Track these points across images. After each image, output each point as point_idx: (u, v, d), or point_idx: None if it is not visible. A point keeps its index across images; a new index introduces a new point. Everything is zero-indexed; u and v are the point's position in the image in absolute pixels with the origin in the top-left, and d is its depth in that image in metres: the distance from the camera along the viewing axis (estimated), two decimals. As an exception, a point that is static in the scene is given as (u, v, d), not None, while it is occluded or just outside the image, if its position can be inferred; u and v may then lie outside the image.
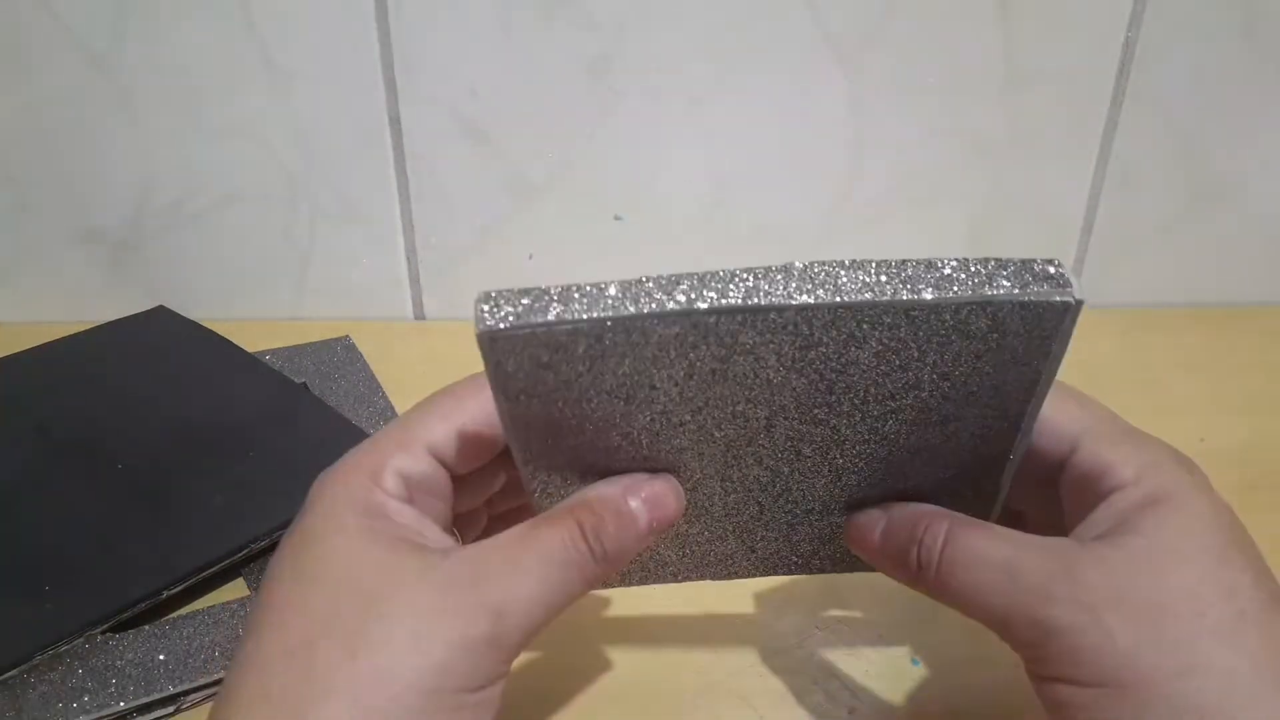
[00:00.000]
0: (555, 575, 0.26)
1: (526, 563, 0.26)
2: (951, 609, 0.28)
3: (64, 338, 0.57)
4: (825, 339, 0.26)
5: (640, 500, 0.28)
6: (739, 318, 0.26)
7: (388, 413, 0.54)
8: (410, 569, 0.25)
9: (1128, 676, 0.23)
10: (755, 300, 0.26)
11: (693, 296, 0.26)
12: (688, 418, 0.28)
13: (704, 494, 0.31)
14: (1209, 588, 0.24)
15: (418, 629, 0.24)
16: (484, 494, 0.32)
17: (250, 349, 0.56)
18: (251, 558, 0.44)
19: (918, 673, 0.40)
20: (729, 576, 0.35)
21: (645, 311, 0.25)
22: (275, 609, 0.25)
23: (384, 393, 0.55)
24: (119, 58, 0.57)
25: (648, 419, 0.28)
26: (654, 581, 0.34)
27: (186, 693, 0.38)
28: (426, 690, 0.24)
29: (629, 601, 0.43)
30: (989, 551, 0.26)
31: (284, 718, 0.23)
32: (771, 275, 0.26)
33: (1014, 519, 0.31)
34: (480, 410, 0.29)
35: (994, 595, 0.25)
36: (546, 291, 0.26)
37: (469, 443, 0.29)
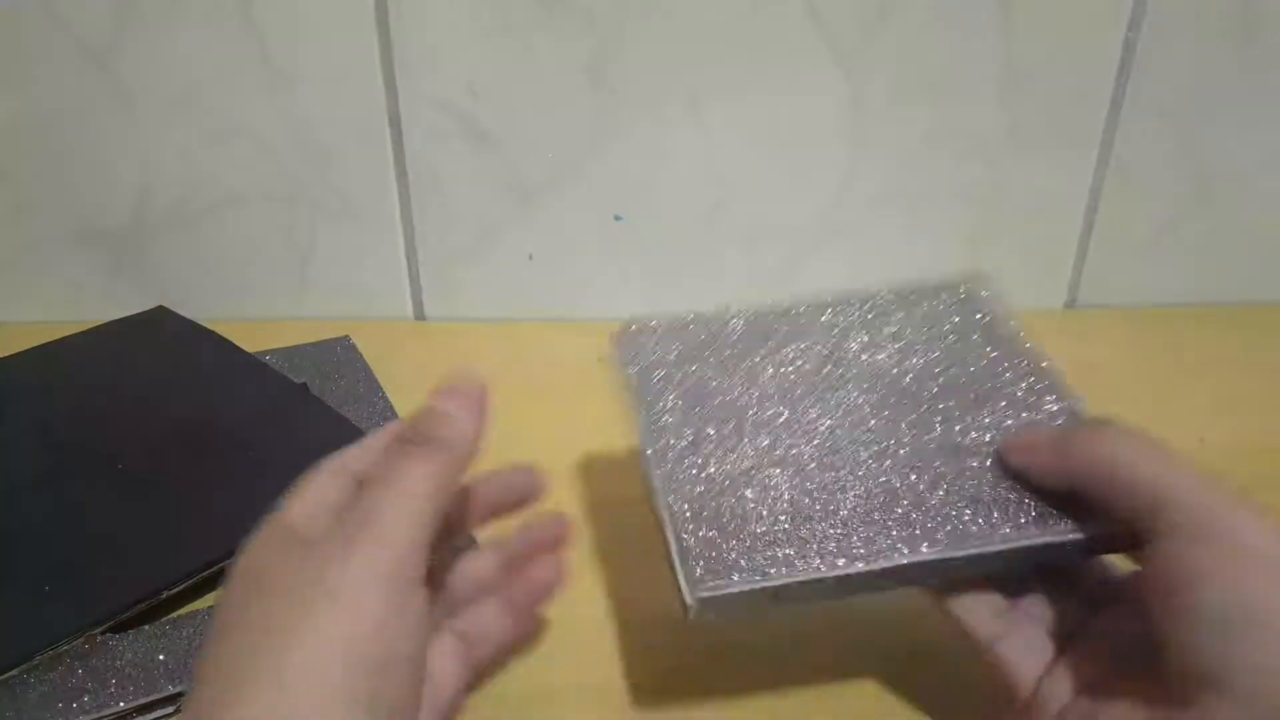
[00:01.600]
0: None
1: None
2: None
3: (64, 337, 0.57)
4: None
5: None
6: None
7: (387, 413, 0.54)
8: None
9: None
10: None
11: None
12: None
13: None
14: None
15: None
16: None
17: (251, 349, 0.56)
18: (251, 558, 0.44)
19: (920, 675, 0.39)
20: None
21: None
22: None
23: (384, 393, 0.55)
24: (119, 58, 0.57)
25: None
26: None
27: (186, 693, 0.38)
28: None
29: (631, 600, 0.43)
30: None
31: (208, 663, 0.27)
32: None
33: None
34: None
35: (1168, 469, 0.30)
36: None
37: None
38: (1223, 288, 0.64)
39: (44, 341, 0.56)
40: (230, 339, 0.57)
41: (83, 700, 0.37)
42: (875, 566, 0.32)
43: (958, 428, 0.37)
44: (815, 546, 0.32)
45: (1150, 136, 0.60)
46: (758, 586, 0.31)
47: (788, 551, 0.32)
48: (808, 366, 0.40)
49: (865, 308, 0.43)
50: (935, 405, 0.38)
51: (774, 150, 0.60)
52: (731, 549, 0.32)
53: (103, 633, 0.39)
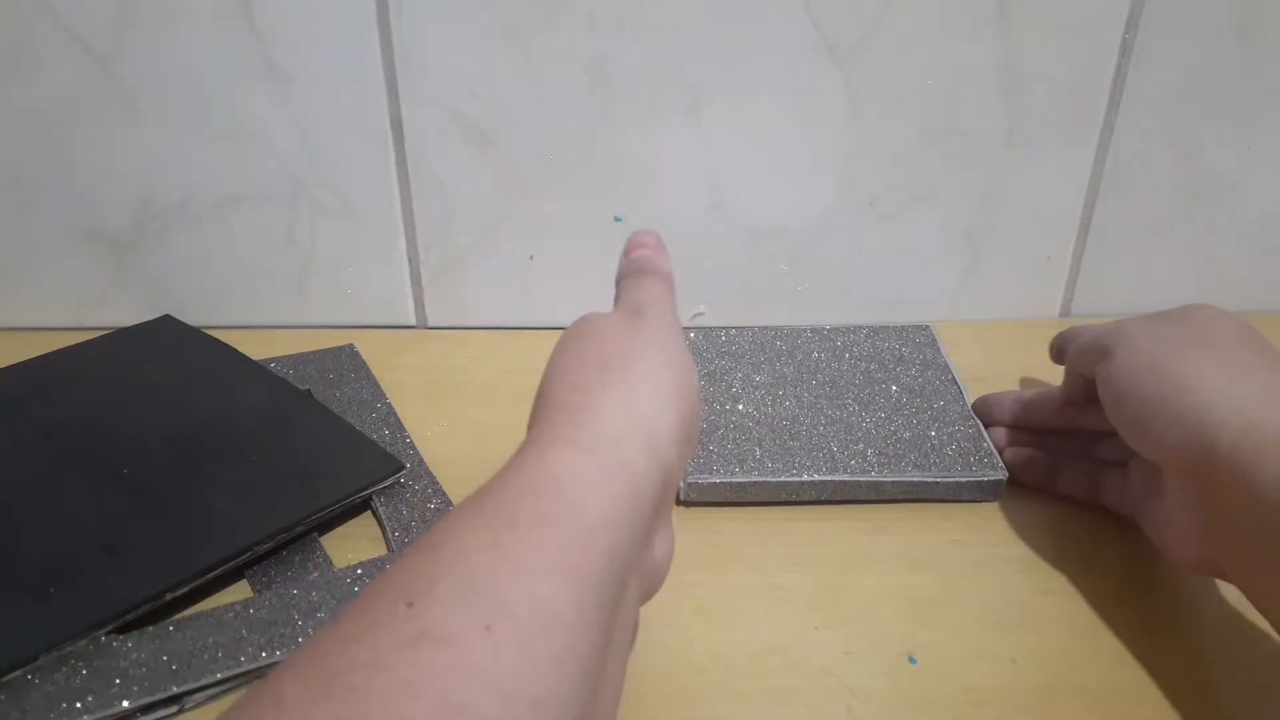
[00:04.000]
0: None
1: None
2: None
3: (72, 345, 0.57)
4: None
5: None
6: None
7: (390, 418, 0.54)
8: None
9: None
10: None
11: None
12: None
13: None
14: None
15: None
16: None
17: (255, 357, 0.57)
18: (254, 560, 0.44)
19: (917, 672, 0.40)
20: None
21: None
22: None
23: (387, 399, 0.55)
24: (121, 59, 0.57)
25: None
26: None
27: (189, 693, 0.38)
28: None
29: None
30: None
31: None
32: None
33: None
34: None
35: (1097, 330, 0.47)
36: None
37: None
38: (1219, 289, 0.65)
39: (45, 346, 0.56)
40: (235, 347, 0.57)
41: (87, 700, 0.37)
42: (781, 479, 0.49)
43: (878, 430, 0.52)
44: (756, 464, 0.50)
45: (1147, 138, 0.60)
46: (721, 480, 0.49)
47: (745, 464, 0.50)
48: (794, 370, 0.57)
49: (843, 336, 0.60)
50: (872, 409, 0.54)
51: (774, 150, 0.60)
52: (712, 458, 0.50)
53: (107, 634, 0.40)
